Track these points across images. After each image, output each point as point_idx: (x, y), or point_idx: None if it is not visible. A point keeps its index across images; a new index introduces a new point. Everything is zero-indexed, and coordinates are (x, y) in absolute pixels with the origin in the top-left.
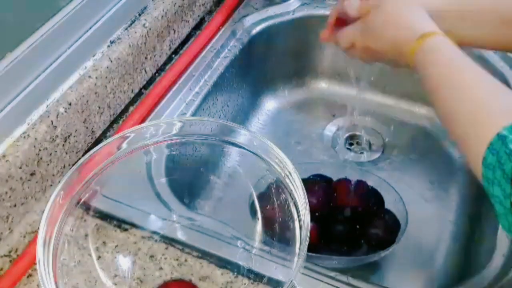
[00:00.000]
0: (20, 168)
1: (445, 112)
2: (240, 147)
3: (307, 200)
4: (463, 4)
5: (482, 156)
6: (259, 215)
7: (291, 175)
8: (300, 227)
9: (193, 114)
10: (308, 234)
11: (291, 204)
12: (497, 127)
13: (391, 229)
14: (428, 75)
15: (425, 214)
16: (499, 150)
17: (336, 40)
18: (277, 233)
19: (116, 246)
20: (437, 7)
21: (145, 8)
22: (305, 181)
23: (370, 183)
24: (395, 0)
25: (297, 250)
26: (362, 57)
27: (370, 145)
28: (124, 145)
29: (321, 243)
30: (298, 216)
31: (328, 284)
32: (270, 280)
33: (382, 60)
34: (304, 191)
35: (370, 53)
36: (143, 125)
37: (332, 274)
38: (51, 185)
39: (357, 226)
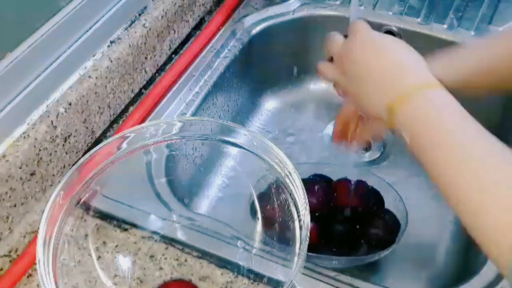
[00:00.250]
0: (20, 168)
1: (449, 195)
2: (240, 147)
3: (307, 200)
4: (480, 71)
5: (509, 265)
6: (259, 215)
7: (291, 175)
8: (300, 227)
9: (193, 114)
10: (308, 234)
11: (291, 204)
12: None
13: (391, 229)
14: (421, 150)
15: (425, 214)
16: None
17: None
18: (277, 233)
19: (116, 246)
20: (465, 71)
21: (145, 8)
22: (305, 181)
23: (370, 183)
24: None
25: (297, 250)
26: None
27: (370, 145)
28: (124, 145)
29: (321, 243)
30: (298, 216)
31: (328, 284)
32: (270, 280)
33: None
34: (304, 191)
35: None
36: (143, 125)
37: (332, 274)
38: (51, 185)
39: (357, 226)
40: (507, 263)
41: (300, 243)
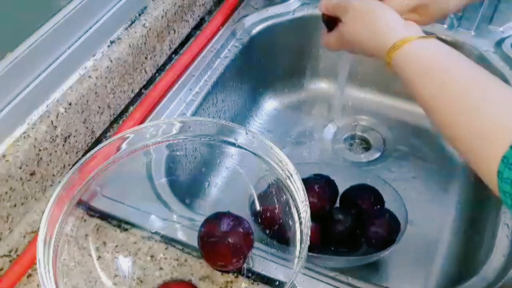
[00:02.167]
0: (20, 168)
1: (443, 123)
2: (240, 147)
3: (307, 201)
4: None
5: (497, 171)
6: (259, 215)
7: (291, 175)
8: (301, 229)
9: (193, 114)
10: (309, 235)
11: (292, 205)
12: (509, 139)
13: (391, 229)
14: (412, 84)
15: (425, 214)
16: None
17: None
18: (277, 233)
19: (116, 246)
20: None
21: (145, 8)
22: (305, 181)
23: (370, 183)
24: (364, 6)
25: (297, 251)
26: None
27: (370, 145)
28: (124, 146)
29: (321, 243)
30: (299, 217)
31: (328, 284)
32: (270, 280)
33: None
34: (305, 191)
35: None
36: (143, 125)
37: (332, 274)
38: (51, 185)
39: (357, 226)
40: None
41: (301, 244)
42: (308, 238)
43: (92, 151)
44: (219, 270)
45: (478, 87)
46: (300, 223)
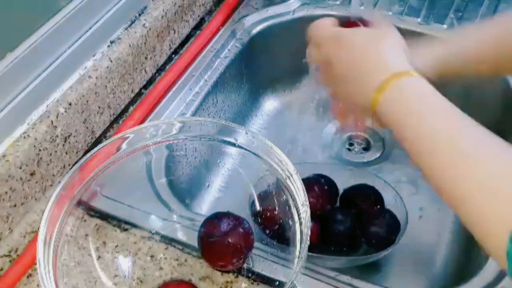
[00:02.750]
0: (20, 168)
1: (437, 184)
2: (240, 147)
3: (308, 202)
4: (467, 51)
5: (505, 250)
6: (259, 215)
7: (292, 175)
8: (301, 229)
9: (193, 114)
10: (309, 235)
11: (292, 205)
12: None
13: (391, 229)
14: (401, 133)
15: (425, 214)
16: None
17: None
18: (278, 233)
19: (116, 246)
20: (441, 58)
21: (145, 8)
22: (305, 181)
23: (370, 183)
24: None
25: (297, 252)
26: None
27: (370, 145)
28: (124, 146)
29: (321, 243)
30: (299, 217)
31: (328, 284)
32: (270, 280)
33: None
34: (305, 192)
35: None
36: (143, 125)
37: (332, 274)
38: (51, 185)
39: (357, 226)
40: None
41: (301, 244)
42: (308, 238)
43: (92, 151)
44: (219, 270)
45: (467, 139)
46: (300, 223)
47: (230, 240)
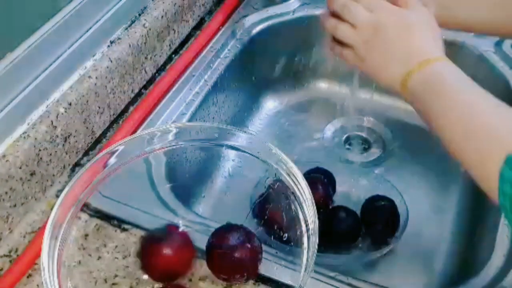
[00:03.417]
0: (20, 168)
1: (452, 139)
2: (240, 150)
3: (313, 201)
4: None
5: (499, 173)
6: (261, 216)
7: (294, 176)
8: (308, 234)
9: (193, 114)
10: (317, 241)
11: (295, 206)
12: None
13: (392, 227)
14: (427, 107)
15: (425, 214)
16: None
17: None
18: (280, 234)
19: (116, 246)
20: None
21: (145, 8)
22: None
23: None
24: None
25: (304, 259)
26: (354, 63)
27: (370, 145)
28: (126, 151)
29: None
30: (305, 219)
31: (328, 284)
32: (272, 282)
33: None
34: (310, 193)
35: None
36: (142, 132)
37: (332, 274)
38: (51, 185)
39: (358, 224)
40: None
41: (308, 250)
42: (316, 245)
43: (96, 158)
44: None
45: (485, 109)
46: (308, 231)
47: (236, 255)
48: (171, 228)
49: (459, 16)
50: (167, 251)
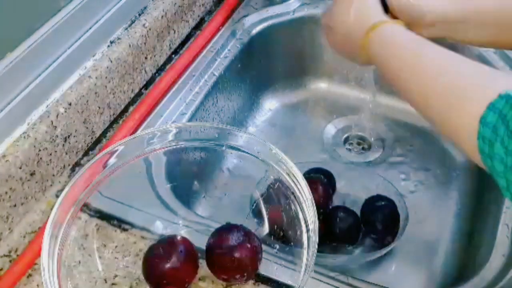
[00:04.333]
0: (20, 168)
1: (419, 93)
2: (241, 150)
3: (313, 201)
4: (466, 7)
5: (480, 116)
6: (261, 217)
7: (294, 176)
8: (308, 235)
9: (193, 114)
10: (317, 241)
11: (295, 206)
12: (495, 91)
13: (392, 227)
14: (388, 64)
15: (425, 213)
16: (502, 108)
17: None
18: (280, 234)
19: (116, 246)
20: (441, 10)
21: (145, 8)
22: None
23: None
24: None
25: (304, 260)
26: (330, 45)
27: (370, 145)
28: (126, 152)
29: (322, 240)
30: (305, 220)
31: (328, 284)
32: (272, 281)
33: (342, 52)
34: (310, 192)
35: (332, 42)
36: (142, 132)
37: (332, 274)
38: (51, 185)
39: (358, 224)
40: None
41: (308, 250)
42: (316, 246)
43: (96, 158)
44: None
45: (452, 64)
46: (308, 232)
47: (236, 255)
48: (176, 241)
49: (467, 36)
50: (170, 269)
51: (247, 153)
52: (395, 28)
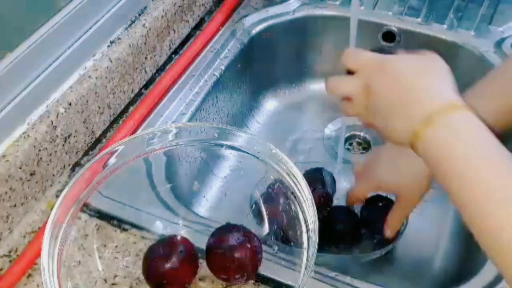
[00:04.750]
0: (20, 168)
1: (478, 232)
2: (241, 150)
3: (313, 201)
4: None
5: None
6: (261, 217)
7: (294, 176)
8: (308, 235)
9: (193, 114)
10: (317, 241)
11: (294, 206)
12: None
13: None
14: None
15: (425, 213)
16: None
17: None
18: (280, 235)
19: (116, 246)
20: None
21: (145, 8)
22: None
23: None
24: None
25: (304, 259)
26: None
27: (370, 145)
28: (125, 152)
29: (321, 241)
30: (305, 220)
31: (328, 284)
32: (272, 281)
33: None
34: (310, 193)
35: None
36: (142, 132)
37: (332, 274)
38: (51, 185)
39: (358, 224)
40: None
41: (308, 250)
42: (316, 246)
43: (95, 159)
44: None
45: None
46: (308, 232)
47: (236, 256)
48: (176, 241)
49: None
50: (170, 270)
51: (247, 153)
52: (456, 120)
